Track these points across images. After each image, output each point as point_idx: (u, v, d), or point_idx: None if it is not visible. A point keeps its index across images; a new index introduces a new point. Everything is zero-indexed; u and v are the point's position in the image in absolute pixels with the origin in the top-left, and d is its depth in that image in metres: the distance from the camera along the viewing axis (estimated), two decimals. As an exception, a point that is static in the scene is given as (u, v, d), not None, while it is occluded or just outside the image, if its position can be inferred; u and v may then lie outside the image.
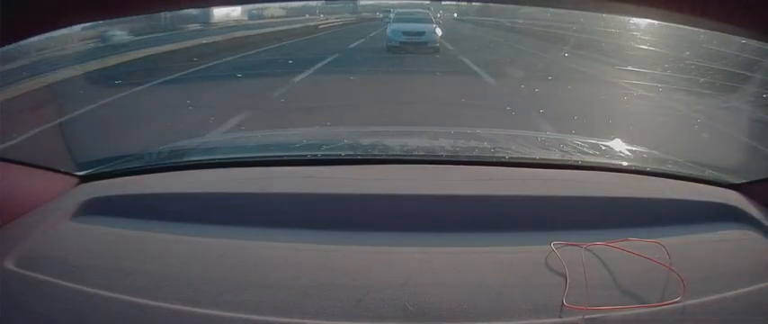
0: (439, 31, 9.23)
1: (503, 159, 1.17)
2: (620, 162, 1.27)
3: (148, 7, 0.78)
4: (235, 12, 13.19)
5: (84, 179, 1.07)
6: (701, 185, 1.06)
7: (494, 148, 1.33)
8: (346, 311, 0.68)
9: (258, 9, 13.87)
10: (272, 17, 14.92)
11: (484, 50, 9.44)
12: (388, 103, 4.79)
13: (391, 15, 10.35)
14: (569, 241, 0.83)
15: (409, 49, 8.64)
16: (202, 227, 0.89)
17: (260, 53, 8.95)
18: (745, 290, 0.72)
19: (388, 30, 9.43)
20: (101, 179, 1.07)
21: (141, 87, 5.52)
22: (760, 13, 0.55)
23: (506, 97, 5.10)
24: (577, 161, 1.24)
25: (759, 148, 2.70)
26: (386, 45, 9.21)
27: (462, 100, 4.79)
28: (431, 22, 9.45)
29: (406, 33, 8.98)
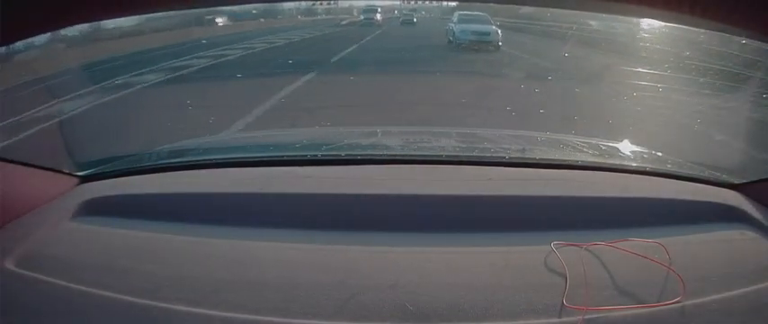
0: (500, 33, 10.18)
1: (503, 159, 1.17)
2: (620, 162, 1.27)
3: (150, 7, 0.77)
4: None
5: (85, 179, 1.07)
6: (701, 185, 1.06)
7: (494, 148, 1.33)
8: (346, 311, 0.68)
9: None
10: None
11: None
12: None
13: (454, 17, 11.25)
14: (569, 241, 0.82)
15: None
16: (202, 227, 0.88)
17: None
18: (745, 290, 0.72)
19: (456, 29, 10.45)
20: (101, 179, 1.07)
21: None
22: (760, 13, 0.54)
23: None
24: (577, 161, 1.24)
25: (759, 148, 2.70)
26: (449, 41, 10.48)
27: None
28: (491, 23, 10.45)
29: (474, 33, 10.07)
